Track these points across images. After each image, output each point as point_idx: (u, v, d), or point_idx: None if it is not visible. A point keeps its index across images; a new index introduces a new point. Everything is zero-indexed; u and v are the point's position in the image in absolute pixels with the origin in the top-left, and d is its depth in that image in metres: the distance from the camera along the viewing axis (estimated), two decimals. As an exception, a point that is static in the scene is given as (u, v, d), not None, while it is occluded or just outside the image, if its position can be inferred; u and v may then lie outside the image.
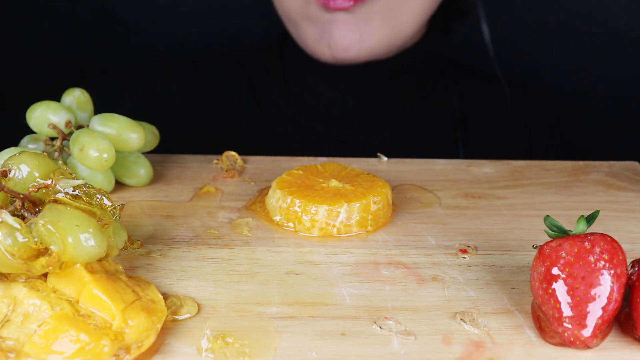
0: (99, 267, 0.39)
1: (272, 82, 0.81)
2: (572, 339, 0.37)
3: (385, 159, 0.62)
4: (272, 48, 0.82)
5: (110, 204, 0.41)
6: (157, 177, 0.57)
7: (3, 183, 0.40)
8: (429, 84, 0.80)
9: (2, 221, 0.37)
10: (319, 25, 0.72)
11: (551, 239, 0.39)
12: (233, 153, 0.60)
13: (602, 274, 0.37)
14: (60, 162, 0.53)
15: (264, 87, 0.81)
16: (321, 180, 0.52)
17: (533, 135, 0.83)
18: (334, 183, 0.51)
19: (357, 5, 0.69)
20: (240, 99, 0.81)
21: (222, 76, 0.82)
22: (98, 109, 0.56)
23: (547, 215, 0.40)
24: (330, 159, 0.61)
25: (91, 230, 0.38)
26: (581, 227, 0.39)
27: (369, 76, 0.76)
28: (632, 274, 0.38)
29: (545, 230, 0.40)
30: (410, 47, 0.78)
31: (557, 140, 0.84)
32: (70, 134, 0.53)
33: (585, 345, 0.37)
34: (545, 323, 0.38)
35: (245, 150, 0.62)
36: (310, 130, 0.78)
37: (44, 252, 0.37)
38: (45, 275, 0.39)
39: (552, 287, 0.37)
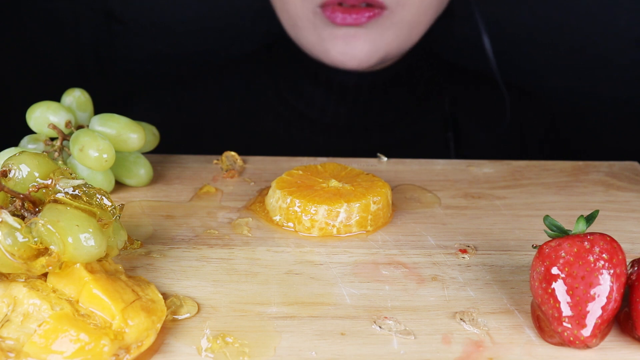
0: (99, 267, 0.39)
1: (266, 87, 0.80)
2: (571, 339, 0.37)
3: (385, 159, 0.62)
4: (266, 53, 0.82)
5: (110, 204, 0.41)
6: (157, 177, 0.57)
7: (3, 183, 0.40)
8: (422, 89, 0.80)
9: (2, 221, 0.37)
10: (324, 38, 0.69)
11: (551, 239, 0.39)
12: (233, 153, 0.60)
13: (601, 274, 0.37)
14: (60, 162, 0.53)
15: (259, 92, 0.81)
16: (321, 180, 0.52)
17: (526, 139, 0.83)
18: (333, 183, 0.51)
19: (370, 21, 0.67)
20: (238, 103, 0.81)
21: (221, 81, 0.82)
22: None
23: (547, 215, 0.40)
24: (330, 159, 0.61)
25: (91, 230, 0.38)
26: (581, 227, 0.39)
27: (364, 87, 0.75)
28: (631, 273, 0.38)
29: (544, 230, 0.40)
30: (407, 53, 0.77)
31: (551, 144, 0.84)
32: (70, 134, 0.53)
33: (584, 344, 0.37)
34: (544, 323, 0.38)
35: (242, 151, 0.62)
36: (302, 137, 0.78)
37: (44, 252, 0.38)
38: (45, 275, 0.39)
39: (552, 286, 0.37)
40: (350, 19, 0.66)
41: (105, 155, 0.51)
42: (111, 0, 0.93)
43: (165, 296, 0.41)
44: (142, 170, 0.55)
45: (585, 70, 0.95)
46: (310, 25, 0.70)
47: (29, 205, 0.40)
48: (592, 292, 0.37)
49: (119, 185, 0.56)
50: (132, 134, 0.53)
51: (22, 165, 0.41)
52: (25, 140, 0.55)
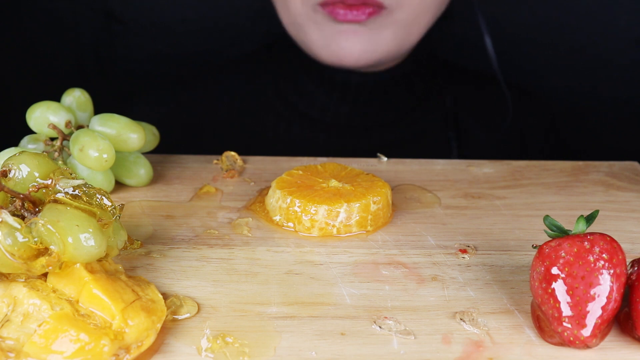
0: (99, 267, 0.39)
1: (266, 87, 0.80)
2: (571, 339, 0.37)
3: (385, 159, 0.62)
4: (266, 53, 0.82)
5: (110, 204, 0.41)
6: (157, 177, 0.57)
7: (3, 183, 0.40)
8: (423, 89, 0.80)
9: (2, 221, 0.37)
10: (326, 34, 0.70)
11: (551, 239, 0.39)
12: (233, 153, 0.60)
13: (601, 274, 0.37)
14: (60, 162, 0.53)
15: (259, 92, 0.81)
16: (321, 180, 0.52)
17: (527, 139, 0.83)
18: (333, 183, 0.51)
19: (370, 18, 0.68)
20: (238, 102, 0.81)
21: (221, 81, 0.82)
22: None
23: (547, 215, 0.40)
24: (330, 159, 0.61)
25: (91, 230, 0.38)
26: (581, 227, 0.39)
27: (366, 86, 0.76)
28: (631, 273, 0.38)
29: (544, 230, 0.40)
30: (408, 53, 0.77)
31: (551, 144, 0.84)
32: (70, 134, 0.53)
33: (584, 344, 0.37)
34: (544, 323, 0.38)
35: (242, 151, 0.62)
36: (302, 137, 0.78)
37: (44, 252, 0.37)
38: (45, 275, 0.39)
39: (552, 286, 0.37)
40: (351, 16, 0.68)
41: (105, 155, 0.51)
42: (111, 0, 0.94)
43: (165, 296, 0.41)
44: (142, 170, 0.55)
45: (585, 70, 0.95)
46: (311, 22, 0.71)
47: (29, 205, 0.40)
48: (592, 292, 0.37)
49: (119, 185, 0.56)
50: (132, 134, 0.53)
51: (22, 165, 0.41)
52: (25, 140, 0.55)
